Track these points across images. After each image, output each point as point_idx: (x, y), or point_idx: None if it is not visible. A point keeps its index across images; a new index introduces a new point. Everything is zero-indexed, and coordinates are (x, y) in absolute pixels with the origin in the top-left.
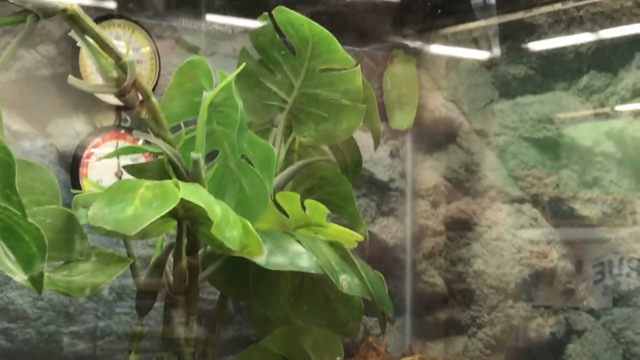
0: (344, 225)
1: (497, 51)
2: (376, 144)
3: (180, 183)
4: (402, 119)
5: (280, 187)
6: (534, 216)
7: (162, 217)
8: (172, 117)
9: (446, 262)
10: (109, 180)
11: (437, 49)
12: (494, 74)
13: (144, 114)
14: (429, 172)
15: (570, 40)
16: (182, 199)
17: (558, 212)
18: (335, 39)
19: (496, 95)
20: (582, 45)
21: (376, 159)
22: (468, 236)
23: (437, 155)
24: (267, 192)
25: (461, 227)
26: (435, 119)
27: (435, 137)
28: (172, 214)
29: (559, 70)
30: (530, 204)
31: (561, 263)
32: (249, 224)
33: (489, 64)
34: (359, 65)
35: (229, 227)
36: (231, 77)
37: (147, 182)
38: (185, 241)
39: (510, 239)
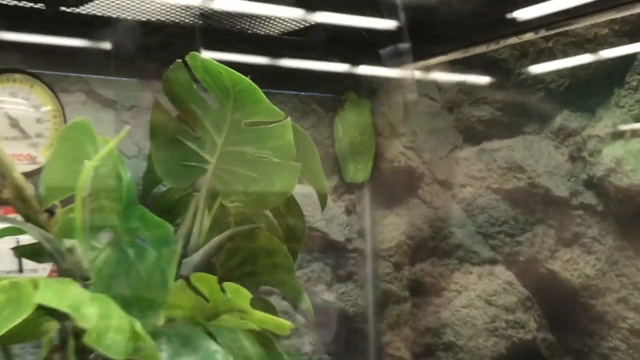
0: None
1: (458, 91)
2: (323, 204)
3: (43, 281)
4: (357, 171)
5: (204, 264)
6: (507, 280)
7: (39, 316)
8: (54, 192)
9: (414, 333)
10: (5, 264)
11: (393, 90)
12: (456, 117)
13: (6, 193)
14: (390, 229)
15: (539, 76)
16: None
17: (535, 274)
18: (258, 88)
19: (460, 141)
20: (553, 81)
21: (330, 216)
22: (436, 303)
23: (398, 211)
24: (168, 278)
25: (428, 293)
26: (395, 169)
27: (395, 190)
28: (50, 313)
29: (528, 110)
30: (504, 265)
31: (541, 334)
32: (139, 324)
33: (451, 106)
34: (289, 117)
35: (110, 332)
36: (113, 142)
37: (4, 282)
38: (73, 343)
39: (483, 307)
